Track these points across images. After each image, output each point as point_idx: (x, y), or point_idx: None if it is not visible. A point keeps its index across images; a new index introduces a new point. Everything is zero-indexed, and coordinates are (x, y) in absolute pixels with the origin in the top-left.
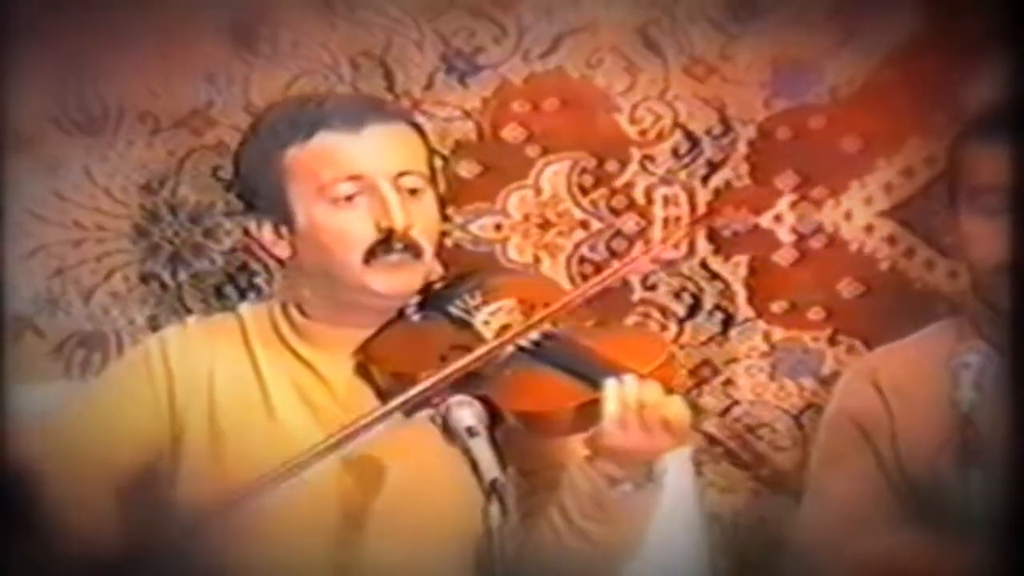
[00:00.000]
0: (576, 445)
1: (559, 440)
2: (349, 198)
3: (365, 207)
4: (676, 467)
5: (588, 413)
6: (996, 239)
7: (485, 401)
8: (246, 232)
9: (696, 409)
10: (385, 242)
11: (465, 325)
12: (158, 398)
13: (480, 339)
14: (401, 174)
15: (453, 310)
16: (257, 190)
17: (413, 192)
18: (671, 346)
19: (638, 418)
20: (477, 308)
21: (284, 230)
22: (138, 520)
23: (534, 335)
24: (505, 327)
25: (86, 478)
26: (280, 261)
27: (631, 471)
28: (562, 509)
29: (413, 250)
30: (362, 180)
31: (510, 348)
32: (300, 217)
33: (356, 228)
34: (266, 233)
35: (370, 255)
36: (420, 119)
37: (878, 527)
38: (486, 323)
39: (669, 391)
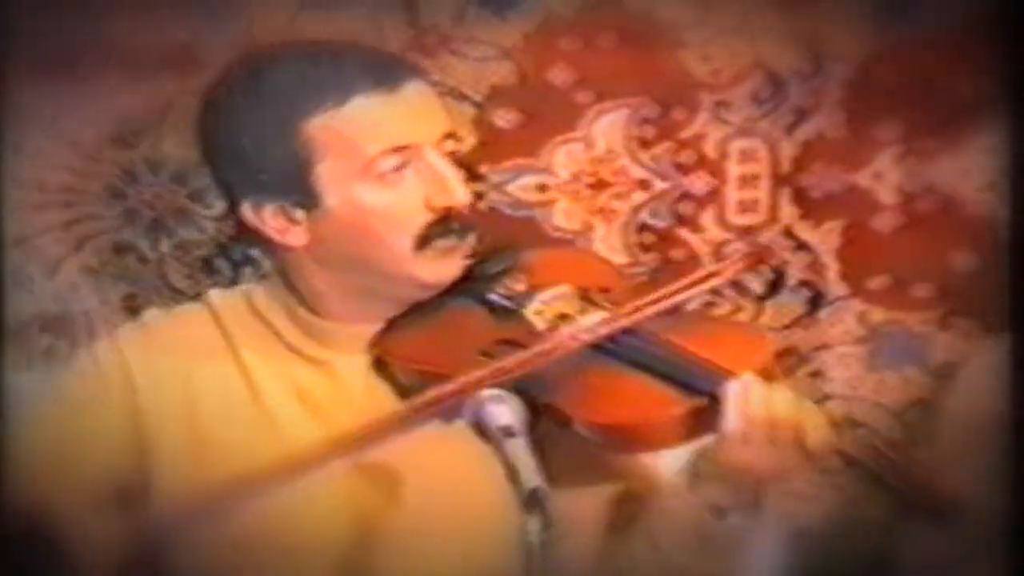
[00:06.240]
0: (660, 462)
1: (638, 455)
2: (396, 171)
3: (413, 182)
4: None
5: (690, 424)
6: None
7: (550, 407)
8: (237, 219)
9: (835, 422)
10: (441, 223)
11: (510, 314)
12: (119, 413)
13: (532, 331)
14: (443, 138)
15: (494, 297)
16: (261, 166)
17: (453, 155)
18: (774, 341)
19: (768, 434)
20: (526, 296)
21: (299, 214)
22: (121, 533)
23: (604, 330)
24: (562, 316)
25: (59, 488)
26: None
27: (739, 497)
28: (652, 539)
29: (469, 231)
30: (408, 150)
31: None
32: (333, 199)
33: (407, 208)
34: (270, 218)
35: (423, 240)
36: (450, 60)
37: (1010, 540)
38: (538, 312)
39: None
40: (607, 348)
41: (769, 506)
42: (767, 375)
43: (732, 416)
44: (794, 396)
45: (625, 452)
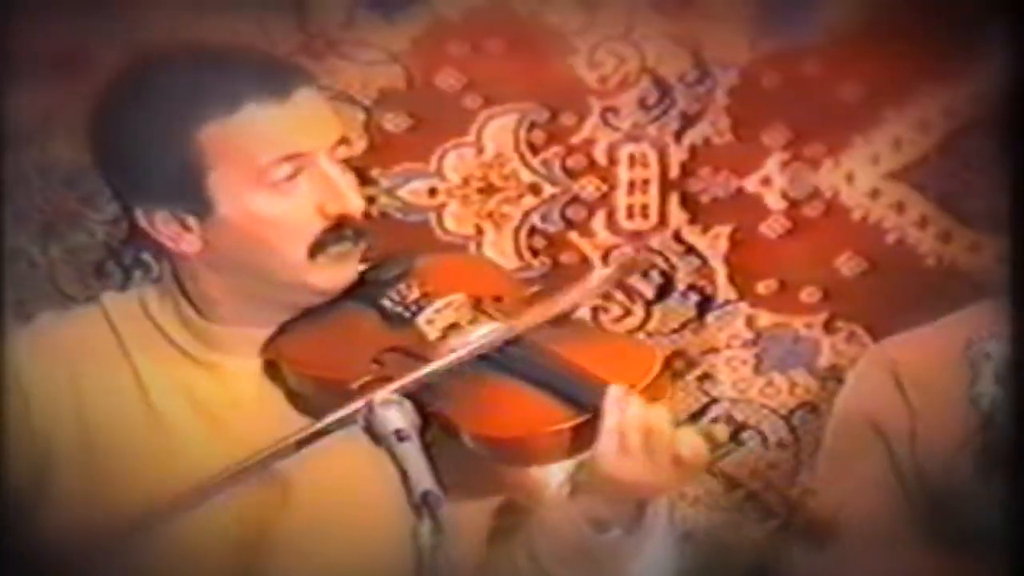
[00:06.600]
0: (544, 474)
1: (526, 467)
2: (289, 179)
3: (306, 190)
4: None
5: (576, 439)
6: None
7: (439, 416)
8: (129, 223)
9: (712, 441)
10: (335, 230)
11: (402, 322)
12: (10, 418)
13: (423, 340)
14: (336, 144)
15: (386, 303)
16: (152, 173)
17: (346, 162)
18: (662, 354)
19: (644, 447)
20: (418, 304)
21: (192, 221)
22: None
23: (492, 342)
24: (453, 326)
25: None
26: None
27: (620, 511)
28: (530, 550)
29: (362, 236)
30: (301, 158)
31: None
32: (226, 207)
33: (301, 216)
34: (163, 225)
35: (317, 248)
36: (338, 63)
37: (894, 545)
38: (430, 321)
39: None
40: (495, 359)
41: (650, 521)
42: (654, 389)
43: (608, 429)
44: (670, 412)
45: (511, 465)
